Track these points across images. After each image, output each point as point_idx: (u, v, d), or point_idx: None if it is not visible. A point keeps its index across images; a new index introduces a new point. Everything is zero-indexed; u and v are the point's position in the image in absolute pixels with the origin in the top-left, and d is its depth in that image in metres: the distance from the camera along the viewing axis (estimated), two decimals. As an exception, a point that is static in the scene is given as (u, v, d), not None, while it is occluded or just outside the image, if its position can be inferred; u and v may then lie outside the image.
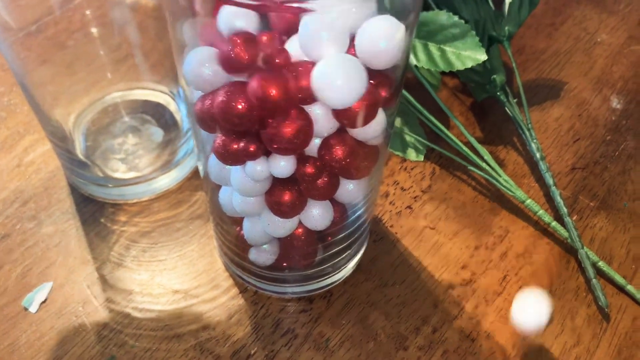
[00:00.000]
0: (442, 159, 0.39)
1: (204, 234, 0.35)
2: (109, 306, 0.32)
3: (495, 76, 0.38)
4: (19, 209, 0.36)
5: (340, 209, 0.28)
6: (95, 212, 0.36)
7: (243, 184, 0.25)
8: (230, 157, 0.24)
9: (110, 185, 0.36)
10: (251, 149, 0.23)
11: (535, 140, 0.37)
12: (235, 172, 0.25)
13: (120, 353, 0.30)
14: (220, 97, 0.22)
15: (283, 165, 0.23)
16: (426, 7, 0.38)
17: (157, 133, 0.38)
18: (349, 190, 0.27)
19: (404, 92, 0.37)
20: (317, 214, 0.27)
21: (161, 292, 0.33)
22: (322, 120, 0.23)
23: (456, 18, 0.34)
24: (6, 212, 0.36)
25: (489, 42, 0.39)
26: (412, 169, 0.38)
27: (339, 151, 0.24)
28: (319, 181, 0.25)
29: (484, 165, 0.36)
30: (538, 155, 0.37)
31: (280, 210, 0.26)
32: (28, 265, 0.34)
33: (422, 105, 0.37)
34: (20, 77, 0.33)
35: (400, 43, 0.21)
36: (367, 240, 0.34)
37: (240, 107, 0.22)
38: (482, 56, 0.34)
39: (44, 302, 0.32)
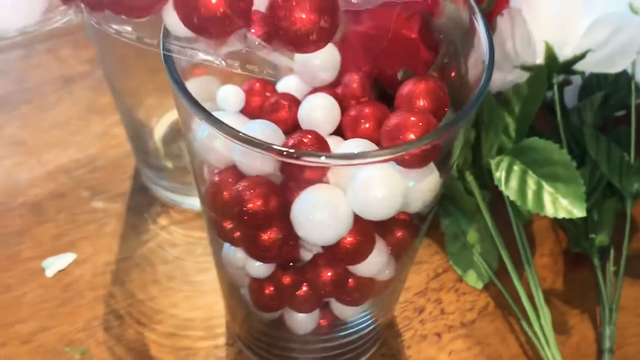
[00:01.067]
0: (501, 297, 0.34)
1: (225, 269, 0.34)
2: (108, 301, 0.32)
3: (595, 236, 0.32)
4: (84, 175, 0.37)
5: (330, 317, 0.25)
6: (143, 205, 0.36)
7: (227, 258, 0.23)
8: (218, 233, 0.23)
9: (169, 189, 0.36)
10: (235, 235, 0.22)
11: (612, 327, 0.31)
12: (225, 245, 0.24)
13: (96, 350, 0.31)
14: (213, 177, 0.20)
15: (258, 267, 0.21)
16: (542, 131, 0.33)
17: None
18: (339, 308, 0.24)
19: (485, 211, 0.33)
20: (297, 316, 0.24)
21: (158, 309, 0.32)
22: (309, 239, 0.20)
23: (568, 157, 0.29)
24: (73, 172, 0.37)
25: (608, 193, 0.33)
26: (464, 293, 0.34)
27: (325, 275, 0.21)
28: (299, 292, 0.22)
29: (537, 328, 0.31)
30: (608, 344, 0.30)
31: (257, 302, 0.24)
32: (65, 230, 0.35)
33: (506, 227, 0.32)
34: (111, 64, 0.33)
35: (402, 195, 0.18)
36: (374, 348, 0.31)
37: (225, 195, 0.20)
38: (579, 212, 0.29)
39: (61, 270, 0.34)
